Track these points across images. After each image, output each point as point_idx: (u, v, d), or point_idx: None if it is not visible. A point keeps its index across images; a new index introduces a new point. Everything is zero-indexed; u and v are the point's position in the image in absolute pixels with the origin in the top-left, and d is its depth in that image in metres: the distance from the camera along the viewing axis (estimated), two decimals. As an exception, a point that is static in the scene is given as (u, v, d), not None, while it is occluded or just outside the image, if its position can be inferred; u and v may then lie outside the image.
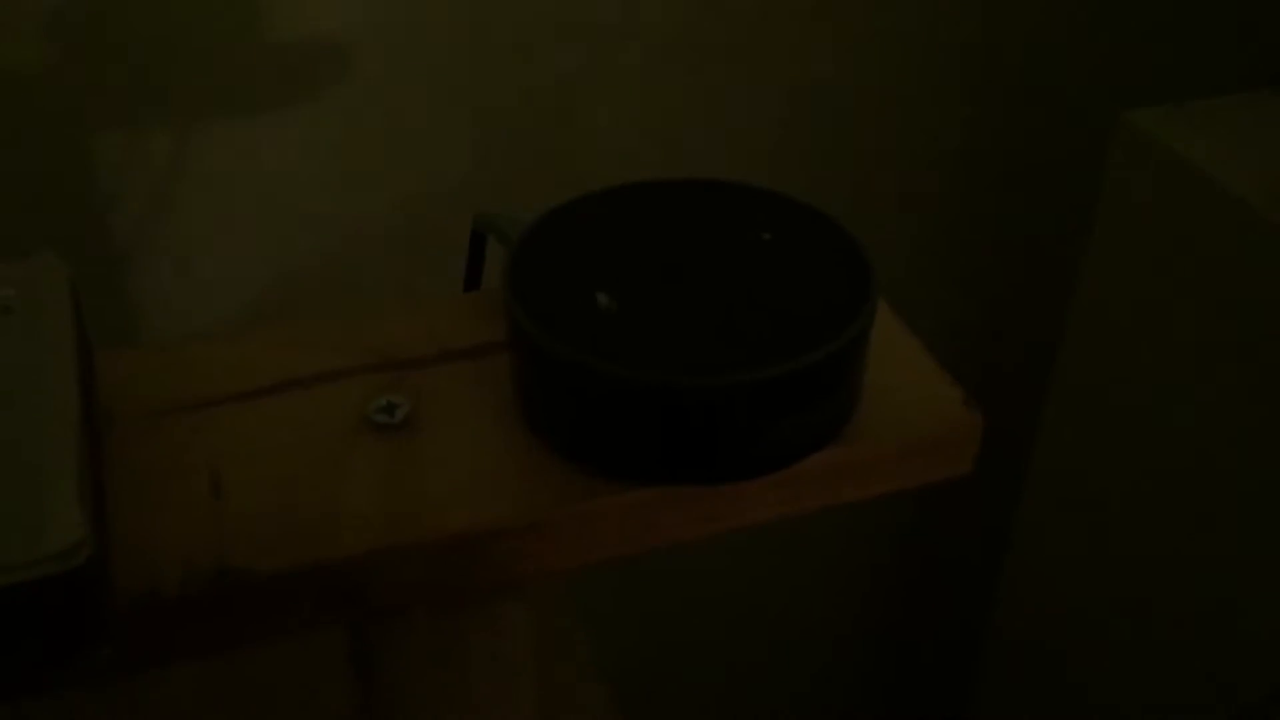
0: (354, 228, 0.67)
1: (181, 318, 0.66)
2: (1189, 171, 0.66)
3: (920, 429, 0.34)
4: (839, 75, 0.73)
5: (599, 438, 0.32)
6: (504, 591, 0.33)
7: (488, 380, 0.35)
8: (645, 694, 0.99)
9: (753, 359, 0.30)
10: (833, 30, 0.72)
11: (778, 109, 0.73)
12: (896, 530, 1.02)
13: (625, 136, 0.70)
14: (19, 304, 0.32)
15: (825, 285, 0.33)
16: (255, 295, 0.67)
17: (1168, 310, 0.70)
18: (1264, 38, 0.82)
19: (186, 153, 0.62)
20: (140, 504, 0.31)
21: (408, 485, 0.32)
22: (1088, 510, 0.80)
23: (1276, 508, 0.65)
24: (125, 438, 0.33)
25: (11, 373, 0.30)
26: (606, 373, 0.30)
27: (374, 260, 0.69)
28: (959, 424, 0.35)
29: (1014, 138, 0.81)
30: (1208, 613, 0.71)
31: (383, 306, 0.38)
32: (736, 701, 1.07)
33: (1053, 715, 0.88)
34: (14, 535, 0.26)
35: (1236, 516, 0.68)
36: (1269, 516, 0.65)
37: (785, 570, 0.98)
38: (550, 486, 0.32)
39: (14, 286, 0.32)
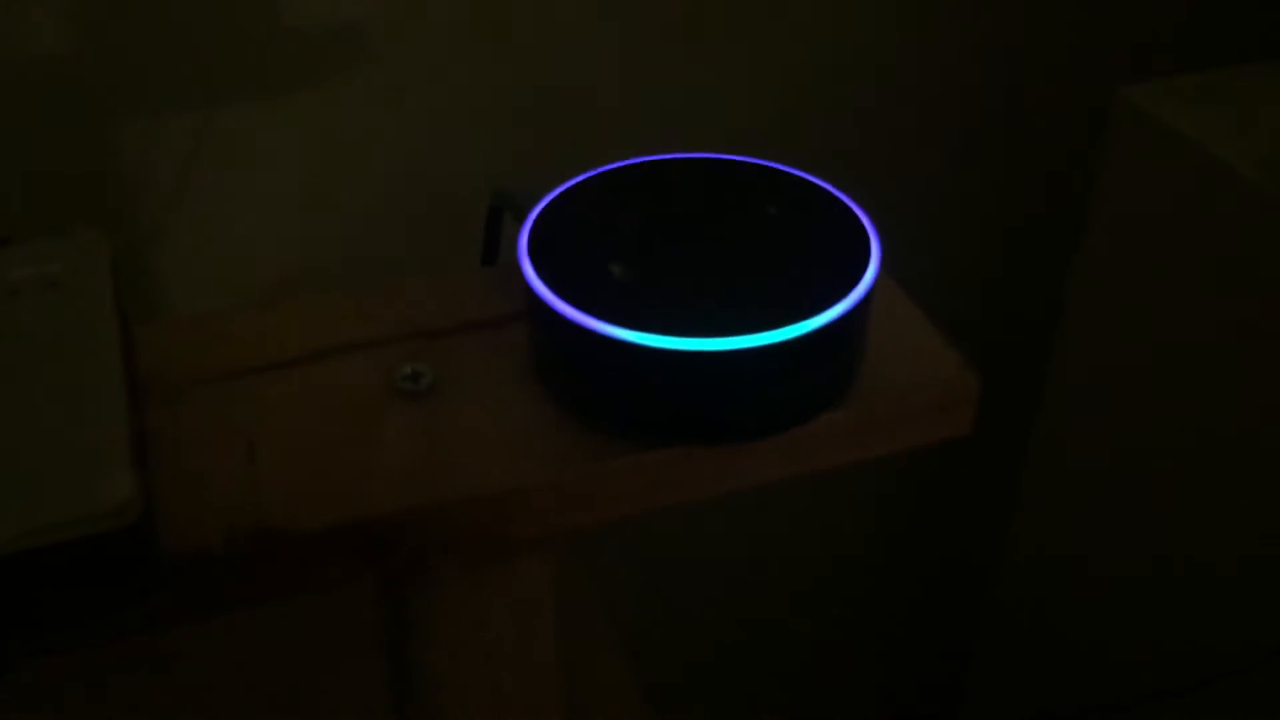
0: (372, 207, 0.69)
1: (200, 297, 0.68)
2: (1186, 146, 0.66)
3: (920, 391, 0.36)
4: (837, 55, 0.75)
5: (614, 401, 0.34)
6: (525, 548, 0.35)
7: (507, 349, 0.37)
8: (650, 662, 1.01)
9: (762, 324, 0.32)
10: (832, 11, 0.73)
11: (776, 88, 0.74)
12: (898, 514, 1.04)
13: (634, 116, 0.72)
14: (64, 277, 0.33)
15: (829, 254, 0.35)
16: (274, 276, 0.69)
17: (1167, 285, 0.71)
18: (1259, 11, 0.83)
19: (207, 136, 0.64)
20: (182, 468, 0.33)
21: (433, 448, 0.33)
22: (1088, 488, 0.81)
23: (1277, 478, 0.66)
24: (163, 405, 0.35)
25: (60, 343, 0.31)
26: (622, 339, 0.32)
27: (390, 239, 0.70)
28: (956, 386, 0.36)
29: (1010, 115, 0.82)
30: (1211, 586, 0.73)
31: (406, 280, 0.40)
32: (743, 674, 1.09)
33: (1055, 690, 0.90)
34: (70, 494, 0.28)
35: (1238, 489, 0.69)
36: (1271, 488, 0.67)
37: (793, 541, 1.00)
38: (568, 448, 0.33)
39: (59, 261, 0.34)
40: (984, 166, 0.84)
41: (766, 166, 0.38)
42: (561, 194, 0.37)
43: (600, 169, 0.38)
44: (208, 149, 0.64)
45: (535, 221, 0.36)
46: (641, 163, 0.39)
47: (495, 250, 0.43)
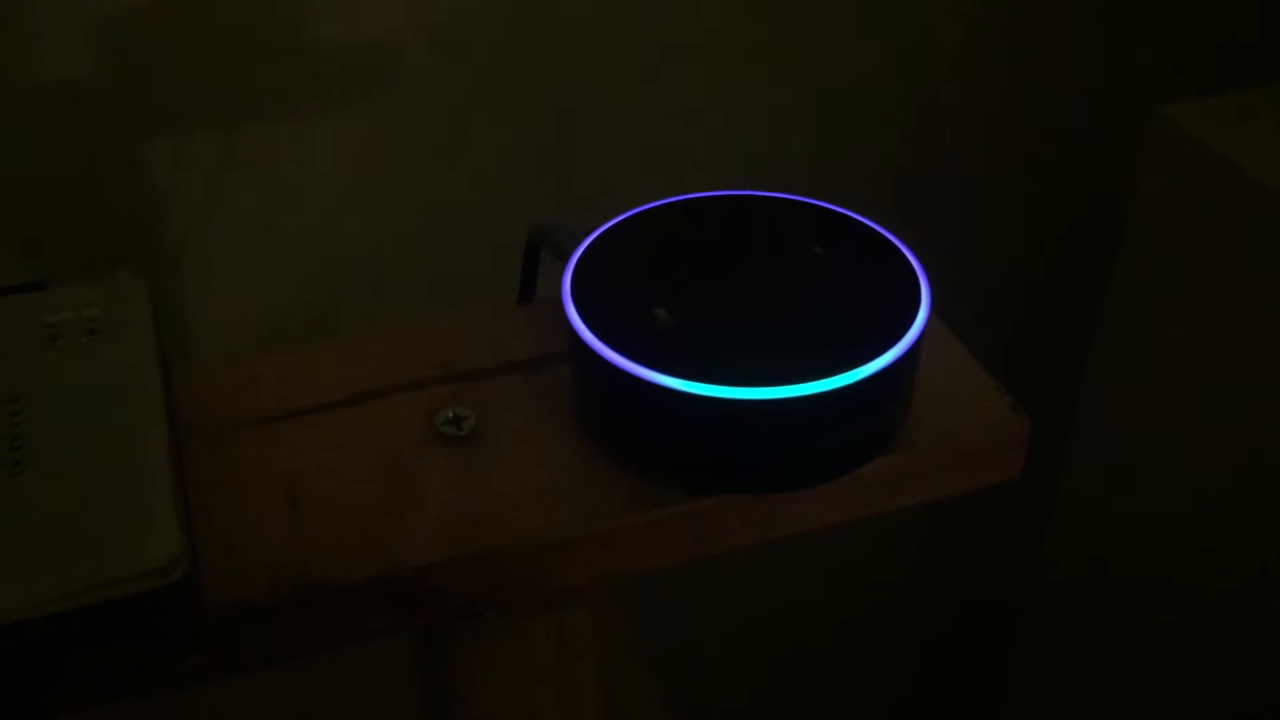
0: (400, 232, 0.69)
1: (225, 322, 0.68)
2: (1223, 165, 0.66)
3: (969, 436, 0.35)
4: (872, 75, 0.74)
5: (659, 449, 0.33)
6: (567, 598, 0.35)
7: (548, 391, 0.36)
8: (680, 682, 1.00)
9: (809, 372, 0.31)
10: (865, 29, 0.72)
11: (808, 108, 0.74)
12: (931, 524, 1.03)
13: (666, 140, 0.71)
14: (103, 322, 0.33)
15: (878, 296, 0.34)
16: (300, 301, 0.69)
17: (1202, 304, 0.70)
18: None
19: (230, 162, 0.63)
20: (222, 516, 0.32)
21: (476, 496, 0.33)
22: (1121, 504, 0.80)
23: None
24: (204, 450, 0.34)
25: (102, 392, 0.31)
26: (669, 386, 0.31)
27: (419, 268, 0.70)
28: (1006, 430, 0.36)
29: (1047, 133, 0.81)
30: (1250, 602, 0.72)
31: (443, 319, 0.39)
32: (775, 687, 1.09)
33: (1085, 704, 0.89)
34: (113, 550, 0.27)
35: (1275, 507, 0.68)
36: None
37: (823, 554, 0.99)
38: (612, 496, 0.33)
39: (99, 306, 0.34)
40: (1018, 185, 0.83)
41: (809, 205, 0.38)
42: (604, 233, 0.37)
43: (642, 207, 0.38)
44: (231, 174, 0.64)
45: (579, 262, 0.36)
46: (682, 200, 0.38)
47: (532, 288, 0.42)
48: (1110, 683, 0.85)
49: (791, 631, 1.02)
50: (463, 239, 0.70)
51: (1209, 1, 0.79)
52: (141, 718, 0.38)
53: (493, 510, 0.32)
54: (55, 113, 0.59)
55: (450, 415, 0.35)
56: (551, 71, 0.67)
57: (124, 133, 0.61)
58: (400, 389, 0.36)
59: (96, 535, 0.28)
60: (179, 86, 0.61)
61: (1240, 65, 0.82)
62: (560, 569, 0.33)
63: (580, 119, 0.69)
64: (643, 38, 0.67)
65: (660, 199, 0.38)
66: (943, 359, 0.37)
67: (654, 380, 0.31)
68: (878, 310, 0.34)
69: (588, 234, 0.37)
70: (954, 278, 0.84)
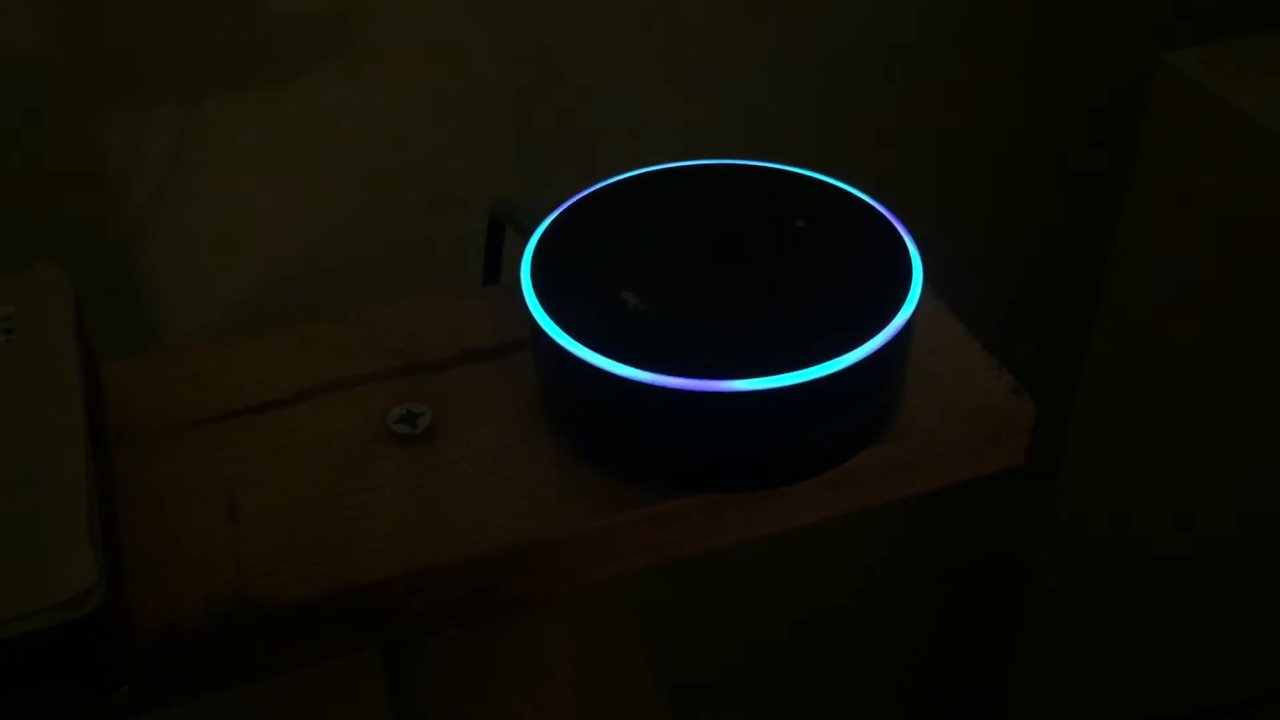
0: (359, 212, 0.65)
1: (190, 296, 0.65)
2: (1230, 113, 0.63)
3: (970, 420, 0.33)
4: (863, 23, 0.70)
5: (633, 444, 0.30)
6: (537, 608, 0.32)
7: (511, 381, 0.34)
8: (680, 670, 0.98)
9: (792, 359, 0.28)
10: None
11: (793, 58, 0.70)
12: (929, 519, 1.01)
13: (638, 105, 0.68)
14: (20, 322, 0.30)
15: (866, 275, 0.31)
16: (264, 272, 0.65)
17: (1209, 254, 0.67)
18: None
19: (192, 132, 0.60)
20: (154, 529, 0.30)
21: (433, 501, 0.30)
22: (1129, 464, 0.78)
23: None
24: (135, 456, 0.32)
25: (14, 399, 0.28)
26: (639, 380, 0.28)
27: (384, 240, 0.67)
28: (1009, 414, 0.33)
29: (1051, 82, 0.78)
30: (1243, 617, 0.70)
31: (398, 304, 0.36)
32: (772, 681, 1.07)
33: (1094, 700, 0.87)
34: (21, 580, 0.24)
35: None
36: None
37: (822, 548, 0.97)
38: (584, 497, 0.30)
39: (14, 303, 0.31)
40: (1022, 135, 0.80)
41: (792, 173, 0.35)
42: (568, 209, 0.34)
43: (610, 179, 0.35)
44: (193, 144, 0.60)
45: (539, 242, 0.33)
46: (654, 171, 0.35)
47: (496, 268, 0.39)
48: (1116, 660, 0.84)
49: (799, 592, 1.00)
50: (423, 217, 0.66)
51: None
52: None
53: (452, 517, 0.30)
54: (6, 86, 0.56)
55: (405, 412, 0.32)
56: (524, 34, 0.63)
57: (79, 105, 0.58)
58: (349, 383, 0.34)
59: (1, 564, 0.25)
60: (136, 55, 0.57)
61: (1244, 11, 0.78)
62: (529, 579, 0.30)
63: (556, 85, 0.66)
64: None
65: (630, 170, 0.35)
66: (936, 337, 0.35)
67: (619, 373, 0.28)
68: (867, 287, 0.31)
69: (550, 209, 0.34)
70: (952, 234, 0.81)
